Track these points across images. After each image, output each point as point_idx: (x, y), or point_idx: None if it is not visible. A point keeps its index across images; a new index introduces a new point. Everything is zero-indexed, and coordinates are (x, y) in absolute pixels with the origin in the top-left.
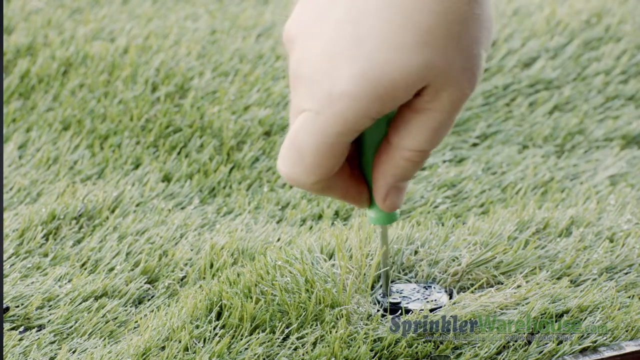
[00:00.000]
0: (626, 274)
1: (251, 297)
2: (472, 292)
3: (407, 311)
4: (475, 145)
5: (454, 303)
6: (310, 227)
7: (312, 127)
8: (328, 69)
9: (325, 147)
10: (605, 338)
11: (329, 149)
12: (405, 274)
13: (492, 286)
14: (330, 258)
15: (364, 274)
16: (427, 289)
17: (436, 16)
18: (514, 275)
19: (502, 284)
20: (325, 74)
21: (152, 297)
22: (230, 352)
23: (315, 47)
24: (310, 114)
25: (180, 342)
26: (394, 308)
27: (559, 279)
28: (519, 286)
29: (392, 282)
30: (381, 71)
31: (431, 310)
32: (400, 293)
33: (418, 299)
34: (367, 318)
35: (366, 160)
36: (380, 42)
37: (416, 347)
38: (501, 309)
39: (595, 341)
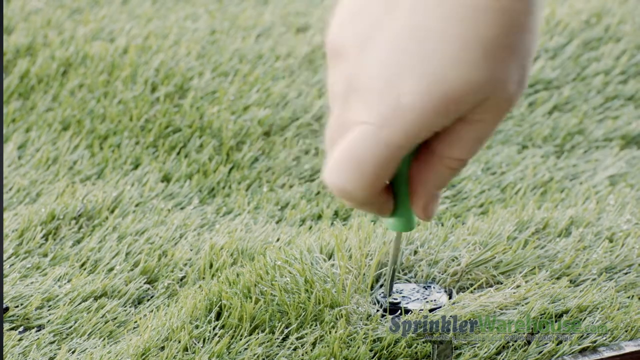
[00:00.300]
0: (626, 274)
1: (250, 297)
2: (471, 292)
3: (407, 311)
4: None
5: (454, 303)
6: (310, 227)
7: (374, 140)
8: (391, 84)
9: (385, 160)
10: (604, 338)
11: (388, 161)
12: (405, 274)
13: (491, 286)
14: (329, 258)
15: (364, 274)
16: (426, 289)
17: (500, 29)
18: (513, 275)
19: (501, 283)
20: (388, 88)
21: (151, 297)
22: (229, 352)
23: (374, 61)
24: (371, 127)
25: (179, 342)
26: (394, 308)
27: (558, 279)
28: (518, 286)
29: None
30: (447, 87)
31: (431, 310)
32: (400, 293)
33: (418, 299)
34: (367, 318)
35: (399, 170)
36: (447, 59)
37: (416, 347)
38: (501, 309)
39: (595, 341)
